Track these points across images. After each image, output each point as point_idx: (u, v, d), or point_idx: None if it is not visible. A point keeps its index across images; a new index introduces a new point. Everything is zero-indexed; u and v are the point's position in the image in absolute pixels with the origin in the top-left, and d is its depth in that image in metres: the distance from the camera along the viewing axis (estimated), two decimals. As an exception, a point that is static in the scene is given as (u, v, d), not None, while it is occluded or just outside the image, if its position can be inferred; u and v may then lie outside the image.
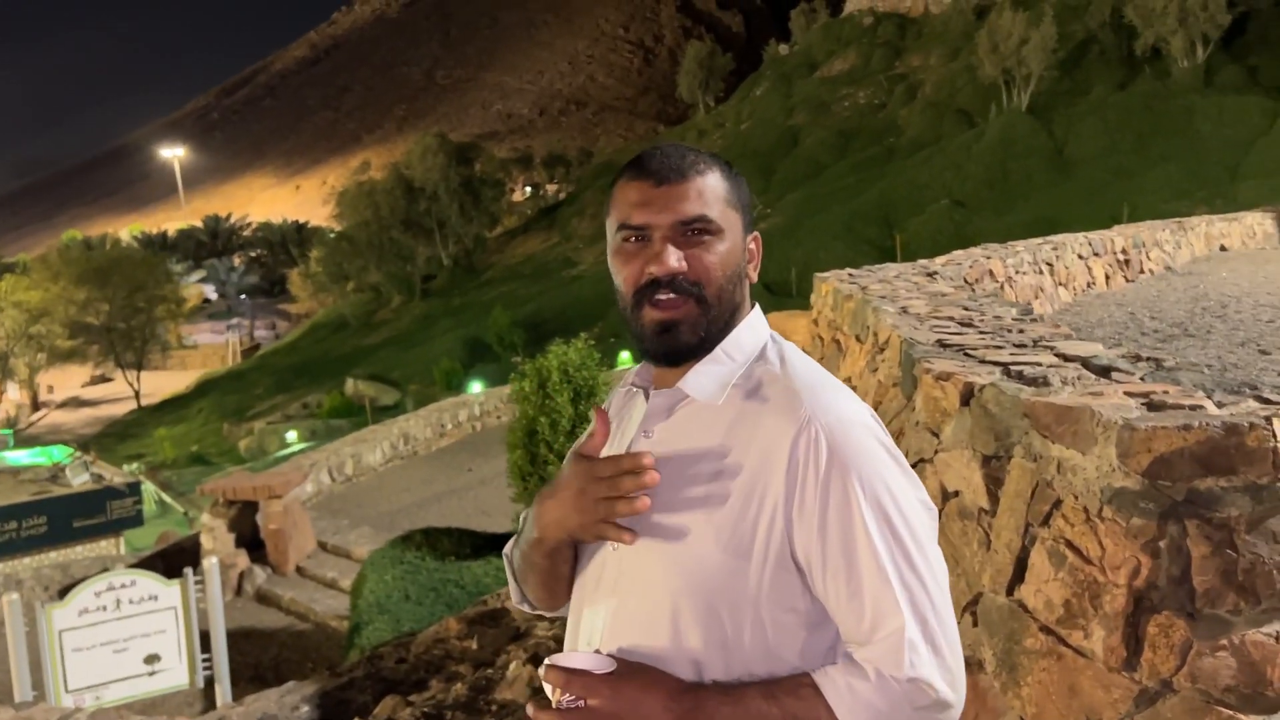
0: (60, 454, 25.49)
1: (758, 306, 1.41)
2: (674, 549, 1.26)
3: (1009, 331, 3.84)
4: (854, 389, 1.66)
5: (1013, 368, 2.97)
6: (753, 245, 1.39)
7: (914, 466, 3.25)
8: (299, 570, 13.28)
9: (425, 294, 69.35)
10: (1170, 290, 10.21)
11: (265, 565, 13.23)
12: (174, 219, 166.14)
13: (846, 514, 1.20)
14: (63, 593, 12.05)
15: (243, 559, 13.12)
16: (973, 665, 2.51)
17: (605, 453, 1.36)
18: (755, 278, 1.40)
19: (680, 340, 1.31)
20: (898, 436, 3.50)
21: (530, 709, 1.27)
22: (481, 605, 7.36)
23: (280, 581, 13.04)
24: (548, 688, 1.27)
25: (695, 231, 1.30)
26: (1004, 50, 54.76)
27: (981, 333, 3.85)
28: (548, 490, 1.36)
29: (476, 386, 32.49)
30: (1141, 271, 12.14)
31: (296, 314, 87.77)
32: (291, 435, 37.58)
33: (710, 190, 1.31)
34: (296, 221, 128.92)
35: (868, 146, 64.97)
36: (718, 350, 1.33)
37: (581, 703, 1.20)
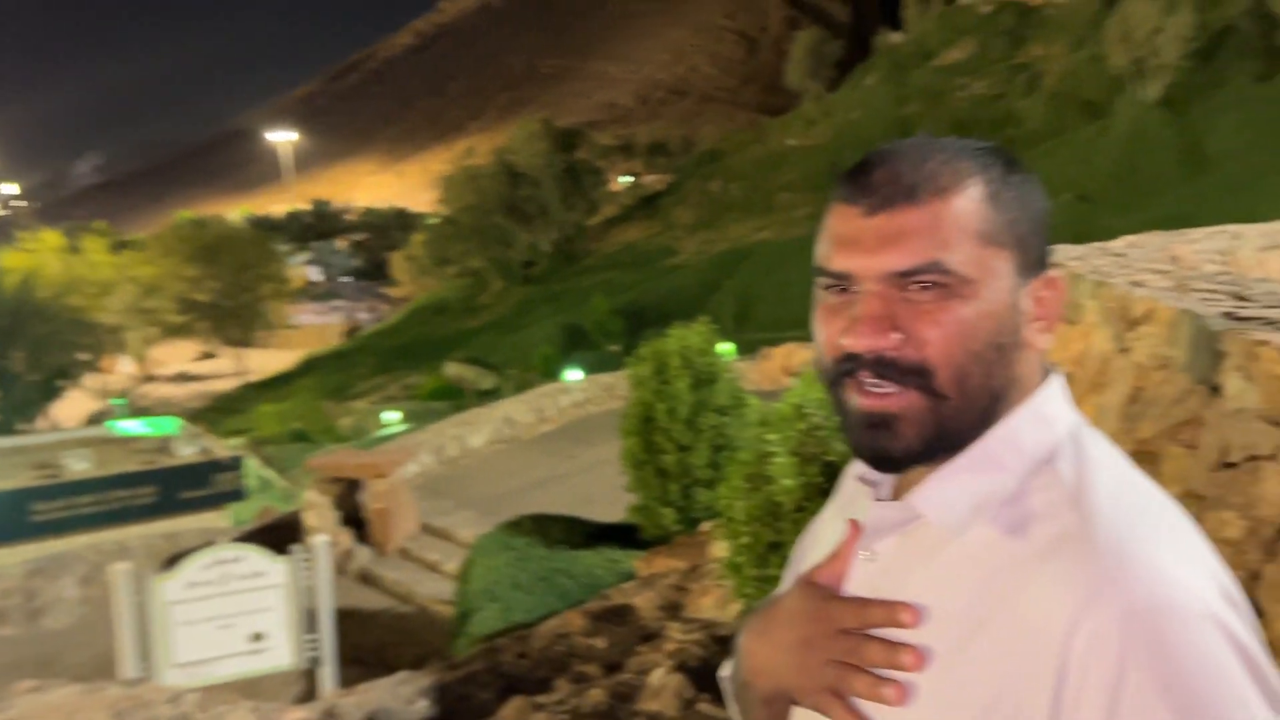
0: (169, 425, 25.97)
1: (1056, 381, 0.93)
2: None
3: (1305, 306, 3.14)
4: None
5: (1371, 344, 2.29)
6: (1045, 292, 0.91)
7: (1240, 467, 2.58)
8: (401, 552, 13.05)
9: (525, 280, 69.72)
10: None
11: (367, 545, 13.01)
12: (280, 201, 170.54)
13: None
14: (169, 563, 11.99)
15: (346, 537, 12.93)
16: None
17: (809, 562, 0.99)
18: (1047, 342, 0.91)
19: (899, 443, 0.88)
20: (1179, 430, 2.82)
21: None
22: (604, 600, 6.87)
23: (382, 562, 12.83)
24: None
25: (921, 286, 0.87)
26: (1136, 39, 52.41)
27: (1268, 306, 3.16)
28: (759, 623, 0.99)
29: (574, 374, 32.25)
30: (1318, 267, 11.12)
31: (397, 297, 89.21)
32: (392, 415, 37.87)
33: (953, 220, 0.87)
34: (399, 207, 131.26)
35: (985, 138, 62.68)
36: (978, 449, 0.88)
37: None
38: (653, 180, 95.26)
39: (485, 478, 16.98)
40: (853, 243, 0.89)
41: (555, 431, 21.02)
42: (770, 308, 46.62)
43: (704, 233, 67.99)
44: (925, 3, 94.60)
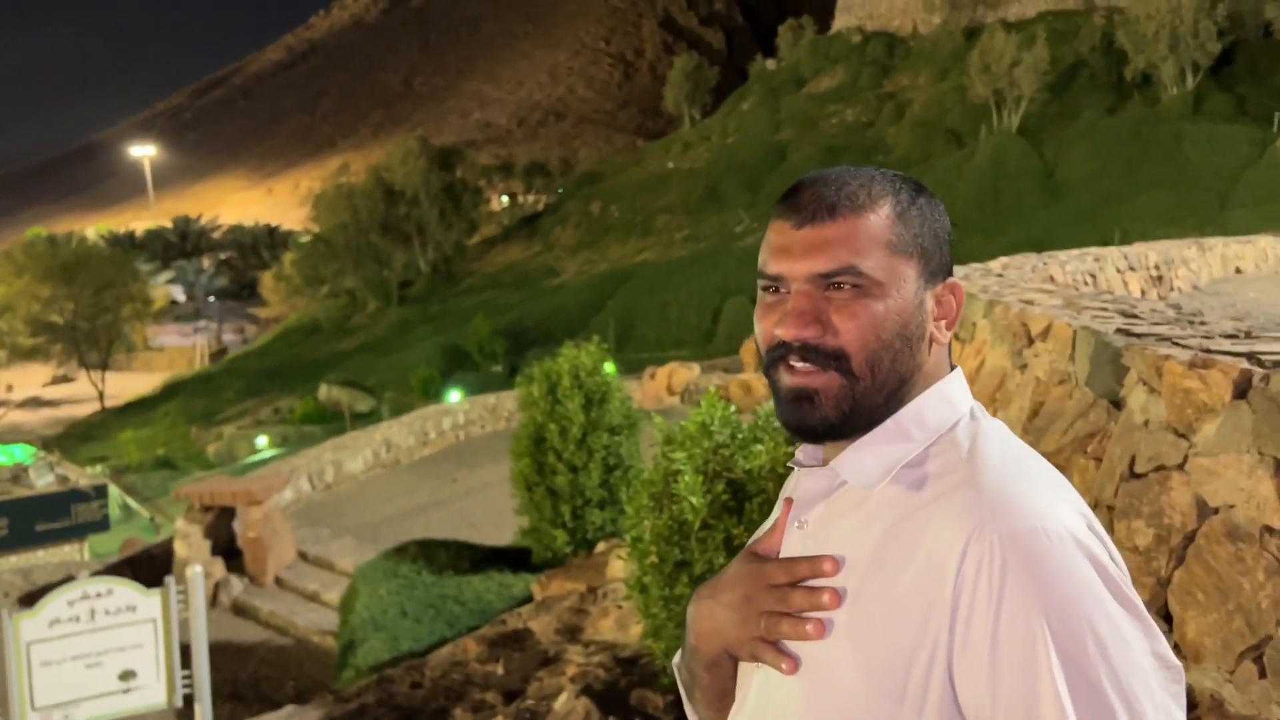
0: (23, 453, 24.58)
1: (959, 372, 1.12)
2: (814, 680, 1.02)
3: (1191, 323, 3.29)
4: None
5: (1265, 358, 2.40)
6: (948, 295, 1.10)
7: (1148, 477, 2.66)
8: (278, 581, 12.59)
9: (402, 300, 68.55)
10: (1208, 309, 9.83)
11: (242, 575, 12.51)
12: (142, 219, 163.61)
13: (1027, 663, 0.90)
14: (25, 600, 11.25)
15: (219, 568, 12.42)
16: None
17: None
18: (947, 336, 1.10)
19: (818, 414, 1.05)
20: (1085, 443, 2.91)
21: None
22: (500, 625, 6.72)
23: (258, 593, 12.35)
24: None
25: (838, 286, 1.04)
26: (995, 71, 55.19)
27: (1155, 324, 3.29)
28: (707, 589, 1.14)
29: (455, 395, 31.83)
30: (1171, 289, 11.88)
31: (266, 318, 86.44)
32: (262, 440, 36.66)
33: (866, 233, 1.04)
34: (268, 224, 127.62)
35: (856, 164, 64.63)
36: (891, 423, 1.06)
37: None
38: (532, 201, 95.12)
39: (365, 503, 16.53)
40: (784, 251, 1.05)
41: (437, 454, 20.63)
42: (652, 328, 46.94)
43: (585, 253, 68.09)
44: (799, 31, 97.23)
